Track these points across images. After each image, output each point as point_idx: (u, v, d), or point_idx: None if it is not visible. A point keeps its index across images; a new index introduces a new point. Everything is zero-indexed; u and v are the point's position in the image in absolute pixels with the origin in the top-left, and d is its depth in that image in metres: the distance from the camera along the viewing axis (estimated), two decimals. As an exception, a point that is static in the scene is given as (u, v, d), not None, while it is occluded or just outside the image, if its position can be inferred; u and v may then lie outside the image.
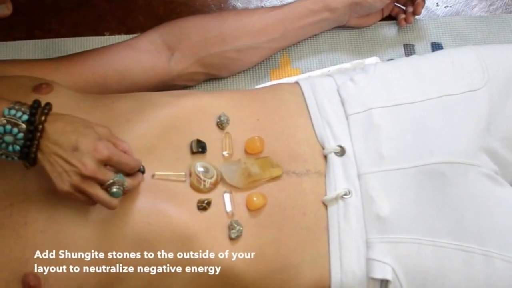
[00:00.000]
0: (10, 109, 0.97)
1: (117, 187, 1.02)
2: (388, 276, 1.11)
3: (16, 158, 0.99)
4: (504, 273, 1.12)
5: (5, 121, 0.97)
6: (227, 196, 1.14)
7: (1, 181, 1.08)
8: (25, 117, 0.97)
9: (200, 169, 1.14)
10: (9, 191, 1.08)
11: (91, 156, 0.99)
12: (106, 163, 1.01)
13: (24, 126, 0.97)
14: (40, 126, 0.98)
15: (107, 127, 1.05)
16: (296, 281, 1.14)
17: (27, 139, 0.97)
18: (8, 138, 0.97)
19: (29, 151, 0.98)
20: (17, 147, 0.98)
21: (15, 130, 0.97)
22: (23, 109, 0.98)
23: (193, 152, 1.16)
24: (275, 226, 1.14)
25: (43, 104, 1.01)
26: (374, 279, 1.12)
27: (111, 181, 1.01)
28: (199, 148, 1.16)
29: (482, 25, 1.60)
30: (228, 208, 1.13)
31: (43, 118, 0.98)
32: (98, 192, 1.01)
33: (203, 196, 1.13)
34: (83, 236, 1.07)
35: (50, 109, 1.01)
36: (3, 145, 0.98)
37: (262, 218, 1.14)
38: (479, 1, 1.64)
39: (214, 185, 1.14)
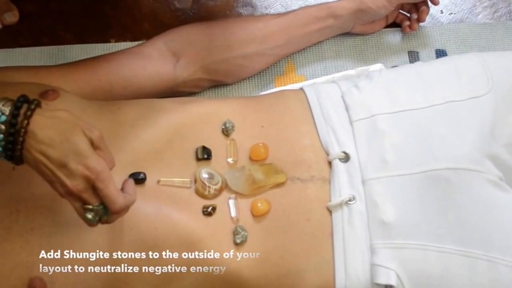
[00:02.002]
0: None
1: (93, 214, 0.96)
2: (393, 281, 1.11)
3: (2, 157, 0.94)
4: (508, 278, 1.12)
5: None
6: (231, 202, 1.14)
7: (8, 186, 1.09)
8: (3, 118, 0.92)
9: (205, 175, 1.15)
10: (16, 196, 1.08)
11: (79, 175, 0.92)
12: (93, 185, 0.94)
13: (3, 127, 0.92)
14: (23, 130, 0.91)
15: (98, 130, 0.96)
16: (300, 286, 1.14)
17: (8, 142, 0.92)
18: None
19: (12, 154, 0.93)
20: None
21: None
22: (3, 108, 0.92)
23: (198, 159, 1.17)
24: (280, 231, 1.14)
25: (29, 101, 0.95)
26: (378, 285, 1.12)
27: (90, 206, 0.95)
28: (204, 154, 1.17)
29: (487, 32, 1.60)
30: (233, 213, 1.13)
31: (25, 122, 0.92)
32: (79, 209, 0.96)
33: (208, 202, 1.14)
34: (89, 241, 1.08)
35: (34, 109, 0.93)
36: None
37: (266, 224, 1.14)
38: (483, 8, 1.65)
39: (219, 191, 1.15)
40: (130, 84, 1.35)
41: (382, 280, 1.12)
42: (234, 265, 1.11)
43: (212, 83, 1.48)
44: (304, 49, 1.56)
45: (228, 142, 1.20)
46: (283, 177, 1.17)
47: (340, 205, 1.16)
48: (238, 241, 1.12)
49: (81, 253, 1.07)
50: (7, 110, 0.92)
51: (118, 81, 1.34)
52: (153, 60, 1.38)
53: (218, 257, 1.10)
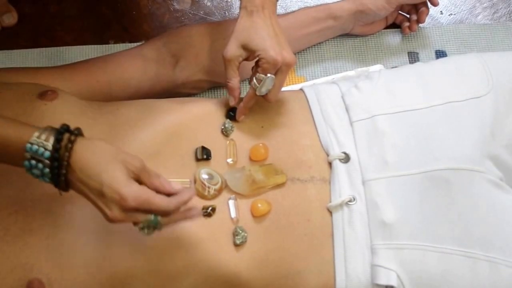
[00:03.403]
0: (32, 144, 0.94)
1: (146, 230, 0.98)
2: (393, 282, 1.11)
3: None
4: (509, 279, 1.12)
5: (29, 156, 0.95)
6: (231, 203, 1.14)
7: (7, 188, 1.09)
8: (47, 154, 0.94)
9: (205, 176, 1.15)
10: (15, 197, 1.08)
11: (117, 204, 0.94)
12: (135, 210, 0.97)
13: (48, 162, 0.94)
14: (65, 163, 0.95)
15: (140, 158, 1.00)
16: (301, 287, 1.14)
17: (53, 174, 0.95)
18: (36, 171, 0.96)
19: (58, 184, 0.97)
20: (47, 179, 0.96)
21: (40, 165, 0.95)
22: (45, 143, 0.94)
23: (197, 159, 1.17)
24: (280, 232, 1.14)
25: (70, 131, 0.98)
26: (379, 285, 1.12)
27: (141, 225, 0.97)
28: (204, 155, 1.17)
29: (486, 33, 1.60)
30: (233, 214, 1.13)
31: (66, 154, 0.95)
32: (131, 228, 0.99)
33: (207, 203, 1.13)
34: (88, 242, 1.07)
35: (74, 140, 0.96)
36: (35, 175, 0.97)
37: (266, 225, 1.14)
38: (483, 9, 1.64)
39: (219, 192, 1.15)
40: (129, 85, 1.35)
41: (383, 281, 1.12)
42: (233, 266, 1.11)
43: (212, 84, 1.48)
44: (304, 50, 1.56)
45: (228, 142, 1.20)
46: (283, 177, 1.17)
47: (340, 205, 1.16)
48: (238, 242, 1.12)
49: (81, 259, 1.07)
50: (49, 145, 0.94)
51: (116, 83, 1.34)
52: (152, 61, 1.38)
53: (217, 258, 1.10)
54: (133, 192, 0.94)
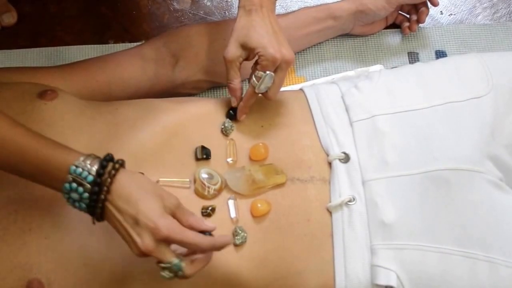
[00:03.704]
0: (77, 167, 0.95)
1: (167, 272, 0.98)
2: (393, 282, 1.11)
3: (84, 211, 0.99)
4: (509, 279, 1.12)
5: (71, 179, 0.96)
6: (231, 203, 1.14)
7: (6, 187, 1.09)
8: (90, 178, 0.95)
9: (205, 175, 1.14)
10: (14, 197, 1.08)
11: (150, 233, 0.95)
12: (167, 242, 0.97)
13: (89, 186, 0.95)
14: (105, 189, 0.96)
15: (175, 196, 1.00)
16: (300, 287, 1.14)
17: (92, 200, 0.96)
18: (74, 195, 0.96)
19: (94, 211, 0.97)
20: (83, 205, 0.97)
21: (81, 189, 0.95)
22: (90, 167, 0.96)
23: (197, 159, 1.17)
24: (280, 232, 1.14)
25: (115, 160, 0.99)
26: (378, 286, 1.12)
27: (167, 265, 0.97)
28: (204, 154, 1.16)
29: (486, 33, 1.60)
30: (233, 214, 1.13)
31: (109, 179, 0.96)
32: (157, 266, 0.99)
33: (207, 203, 1.13)
34: (88, 243, 1.07)
35: (118, 169, 0.97)
36: (70, 200, 0.98)
37: (266, 225, 1.14)
38: (483, 9, 1.64)
39: (219, 191, 1.14)
40: (128, 85, 1.35)
41: (382, 281, 1.12)
42: (233, 267, 1.11)
43: (211, 84, 1.48)
44: (303, 50, 1.56)
45: (228, 142, 1.20)
46: (283, 177, 1.17)
47: (340, 205, 1.16)
48: (237, 242, 1.11)
49: (80, 259, 1.07)
50: (93, 170, 0.96)
51: (116, 82, 1.34)
52: (152, 61, 1.38)
53: (217, 258, 1.10)
54: (167, 223, 0.96)
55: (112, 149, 1.09)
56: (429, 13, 1.56)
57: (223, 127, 1.21)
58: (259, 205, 1.14)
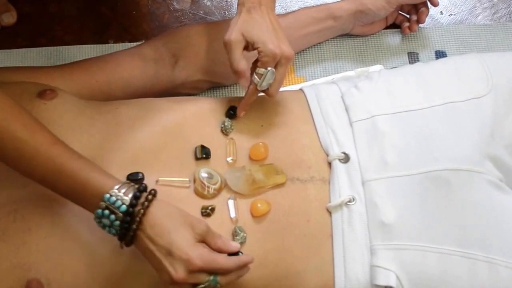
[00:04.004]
0: (111, 196, 0.97)
1: None
2: (392, 283, 1.11)
3: (113, 236, 1.01)
4: (508, 280, 1.12)
5: (104, 206, 0.97)
6: (231, 203, 1.14)
7: (5, 187, 1.09)
8: (124, 208, 0.97)
9: (204, 175, 1.14)
10: (13, 197, 1.08)
11: (183, 264, 0.97)
12: (200, 271, 1.00)
13: (121, 215, 0.97)
14: (138, 219, 0.98)
15: (205, 222, 1.03)
16: (300, 287, 1.14)
17: (122, 228, 0.98)
18: (106, 221, 0.98)
19: (124, 237, 0.99)
20: (113, 230, 0.99)
21: (113, 217, 0.97)
22: (123, 197, 0.98)
23: (197, 158, 1.16)
24: (279, 232, 1.14)
25: (148, 191, 1.01)
26: (378, 286, 1.12)
27: (205, 284, 1.00)
28: (203, 154, 1.16)
29: (486, 33, 1.60)
30: (232, 214, 1.13)
31: (142, 211, 0.98)
32: None
33: (207, 202, 1.13)
34: (87, 242, 1.07)
35: (151, 200, 1.00)
36: (101, 224, 0.99)
37: (266, 225, 1.14)
38: (483, 9, 1.64)
39: (218, 191, 1.14)
40: (128, 85, 1.35)
41: (382, 282, 1.11)
42: None
43: (211, 84, 1.48)
44: (303, 50, 1.56)
45: (227, 141, 1.20)
46: (283, 177, 1.17)
47: (339, 206, 1.16)
48: (237, 242, 1.11)
49: (80, 260, 1.07)
50: (127, 199, 0.98)
51: (116, 82, 1.34)
52: (152, 61, 1.37)
53: None
54: (200, 254, 0.98)
55: (112, 149, 1.10)
56: (429, 13, 1.56)
57: (222, 126, 1.21)
58: (259, 205, 1.14)
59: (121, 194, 0.98)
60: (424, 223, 1.14)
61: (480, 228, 1.14)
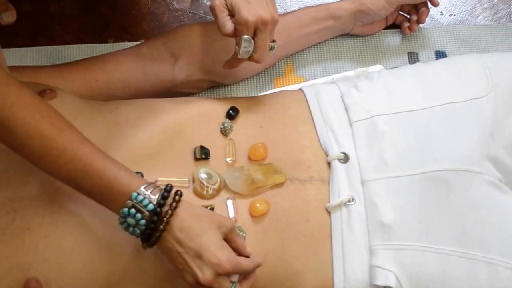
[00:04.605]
0: (138, 194, 0.98)
1: None
2: (391, 283, 1.11)
3: (136, 237, 1.01)
4: (507, 280, 1.12)
5: (130, 204, 0.97)
6: (230, 203, 1.14)
7: (4, 186, 1.08)
8: (151, 206, 0.97)
9: (203, 175, 1.14)
10: (12, 196, 1.08)
11: (212, 268, 0.98)
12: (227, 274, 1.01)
13: (148, 214, 0.97)
14: (165, 219, 0.98)
15: (230, 219, 1.06)
16: (299, 287, 1.13)
17: (148, 228, 0.98)
18: (131, 220, 0.98)
19: (149, 238, 0.99)
20: (138, 231, 0.99)
21: (139, 215, 0.97)
22: (151, 196, 0.98)
23: (196, 159, 1.17)
24: (278, 232, 1.14)
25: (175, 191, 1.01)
26: (377, 286, 1.12)
27: None
28: (203, 154, 1.17)
29: (486, 34, 1.60)
30: (231, 214, 1.13)
31: (169, 212, 0.98)
32: None
33: (206, 202, 1.13)
34: (86, 242, 1.07)
35: (179, 200, 1.00)
36: (125, 224, 0.99)
37: (265, 225, 1.14)
38: (483, 10, 1.64)
39: (217, 191, 1.14)
40: (128, 84, 1.35)
41: (381, 282, 1.11)
42: None
43: (211, 84, 1.48)
44: (303, 50, 1.56)
45: (227, 141, 1.20)
46: (282, 177, 1.17)
47: (339, 206, 1.16)
48: (236, 242, 1.11)
49: (79, 259, 1.07)
50: (154, 199, 0.98)
51: (115, 82, 1.34)
52: (152, 60, 1.37)
53: None
54: (229, 257, 1.00)
55: (111, 148, 1.10)
56: (429, 14, 1.55)
57: (222, 127, 1.21)
58: (258, 205, 1.14)
59: (148, 193, 0.98)
60: (424, 223, 1.14)
61: (480, 229, 1.14)
